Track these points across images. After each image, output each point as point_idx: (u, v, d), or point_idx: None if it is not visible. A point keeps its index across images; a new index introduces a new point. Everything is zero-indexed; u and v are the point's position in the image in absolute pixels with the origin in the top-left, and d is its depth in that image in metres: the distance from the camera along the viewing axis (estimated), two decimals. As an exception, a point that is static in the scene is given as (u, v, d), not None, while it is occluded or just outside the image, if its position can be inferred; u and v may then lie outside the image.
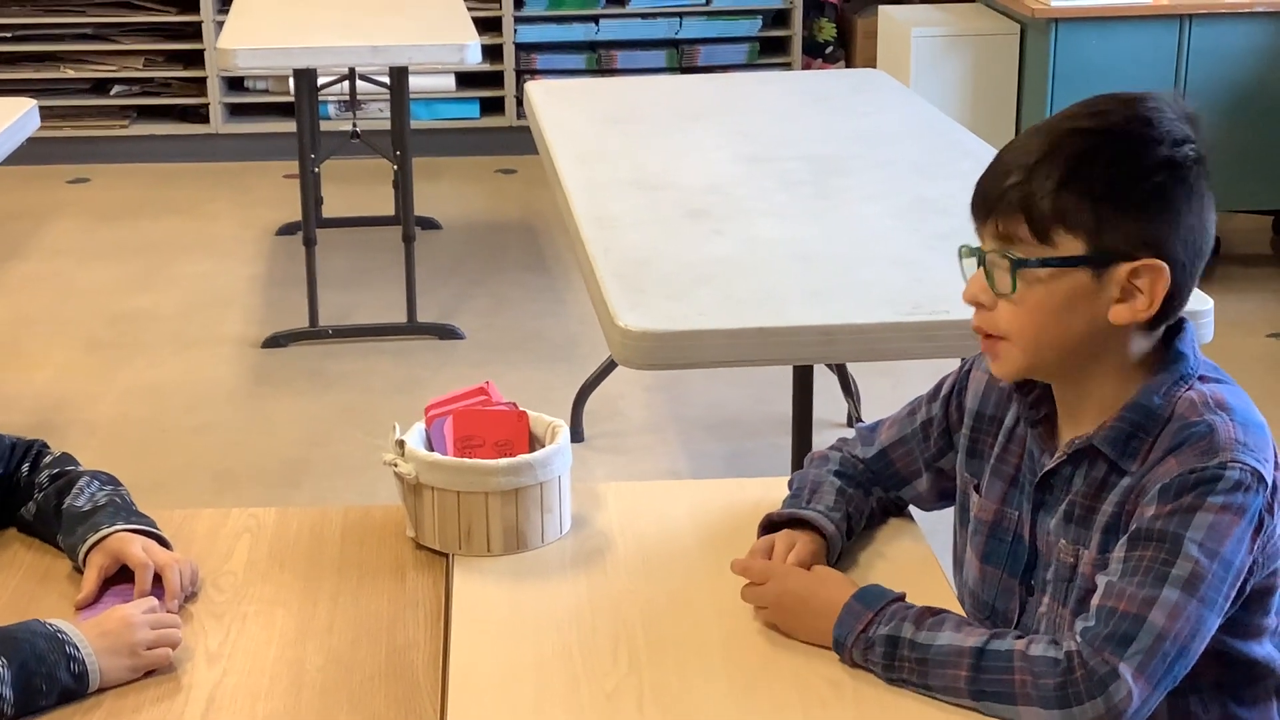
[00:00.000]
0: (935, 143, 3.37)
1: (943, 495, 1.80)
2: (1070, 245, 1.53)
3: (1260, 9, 4.80)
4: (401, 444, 1.79)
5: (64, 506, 1.78)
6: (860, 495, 1.79)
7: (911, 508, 1.86)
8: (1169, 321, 1.59)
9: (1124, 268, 1.53)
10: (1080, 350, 1.57)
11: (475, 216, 5.72)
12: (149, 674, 1.57)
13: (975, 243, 1.61)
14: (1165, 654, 1.44)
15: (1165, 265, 1.52)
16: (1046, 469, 1.62)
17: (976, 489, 1.72)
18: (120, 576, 1.71)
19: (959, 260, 1.63)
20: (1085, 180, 1.52)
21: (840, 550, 1.73)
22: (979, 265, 1.59)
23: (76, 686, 1.53)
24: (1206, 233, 1.56)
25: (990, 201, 1.57)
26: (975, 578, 1.71)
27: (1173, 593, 1.45)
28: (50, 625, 1.56)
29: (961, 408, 1.75)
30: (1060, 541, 1.61)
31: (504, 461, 1.76)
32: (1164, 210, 1.52)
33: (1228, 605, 1.50)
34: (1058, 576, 1.61)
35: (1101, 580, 1.51)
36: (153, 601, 1.65)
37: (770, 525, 1.74)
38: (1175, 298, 1.55)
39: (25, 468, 1.85)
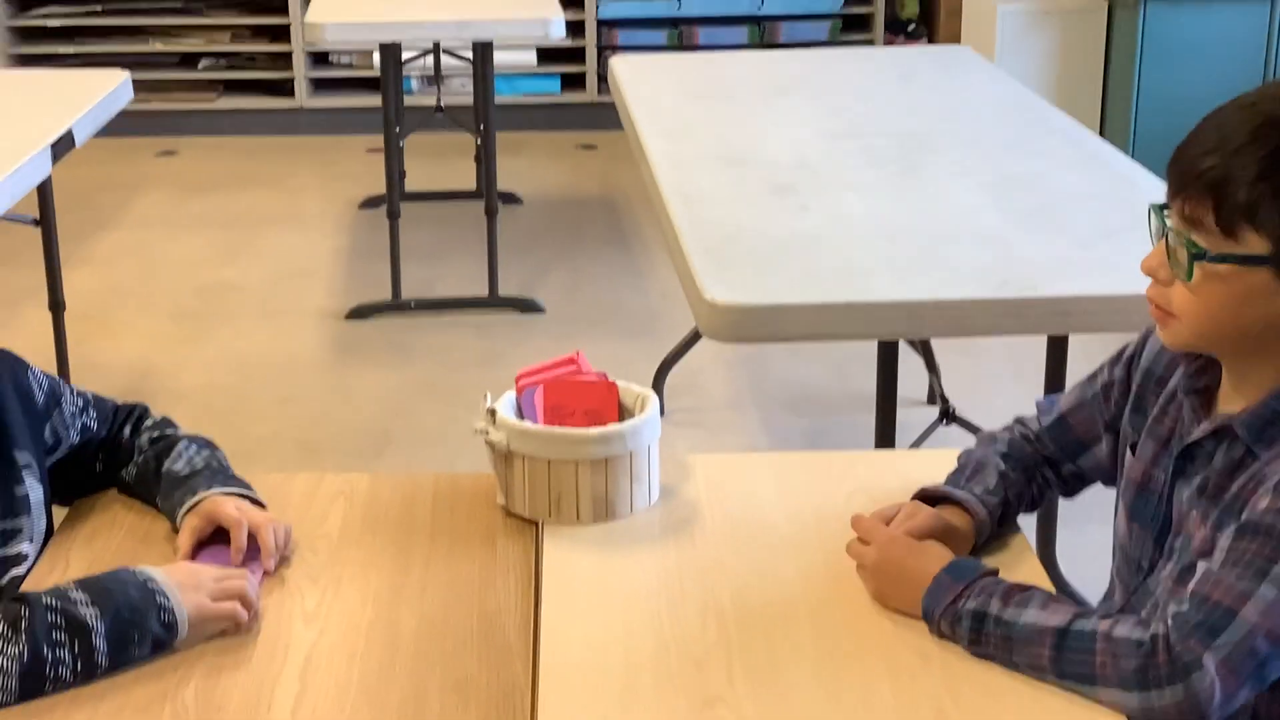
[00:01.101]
0: (1021, 119, 3.35)
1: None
2: (1256, 244, 1.47)
3: (1354, -13, 4.73)
4: (493, 412, 1.81)
5: (163, 470, 1.82)
6: (1022, 480, 1.77)
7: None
8: None
9: None
10: (1251, 339, 1.53)
11: (556, 191, 5.74)
12: (228, 632, 1.59)
13: (1162, 202, 1.55)
14: (1255, 651, 1.42)
15: None
16: (1191, 440, 1.60)
17: (1132, 447, 1.69)
18: (215, 539, 1.74)
19: (1148, 216, 1.57)
20: None
21: (988, 534, 1.72)
22: (1162, 237, 1.54)
23: (167, 636, 1.56)
24: None
25: (1182, 179, 1.51)
26: (1123, 532, 1.71)
27: (1271, 590, 1.43)
28: (140, 574, 1.58)
29: (1139, 369, 1.72)
30: (1192, 512, 1.59)
31: (595, 431, 1.77)
32: None
33: None
34: (1184, 546, 1.60)
35: (1201, 566, 1.49)
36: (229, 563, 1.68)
37: (925, 499, 1.74)
38: None
39: (127, 430, 1.89)
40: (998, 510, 1.73)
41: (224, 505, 1.74)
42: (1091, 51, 4.97)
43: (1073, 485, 1.83)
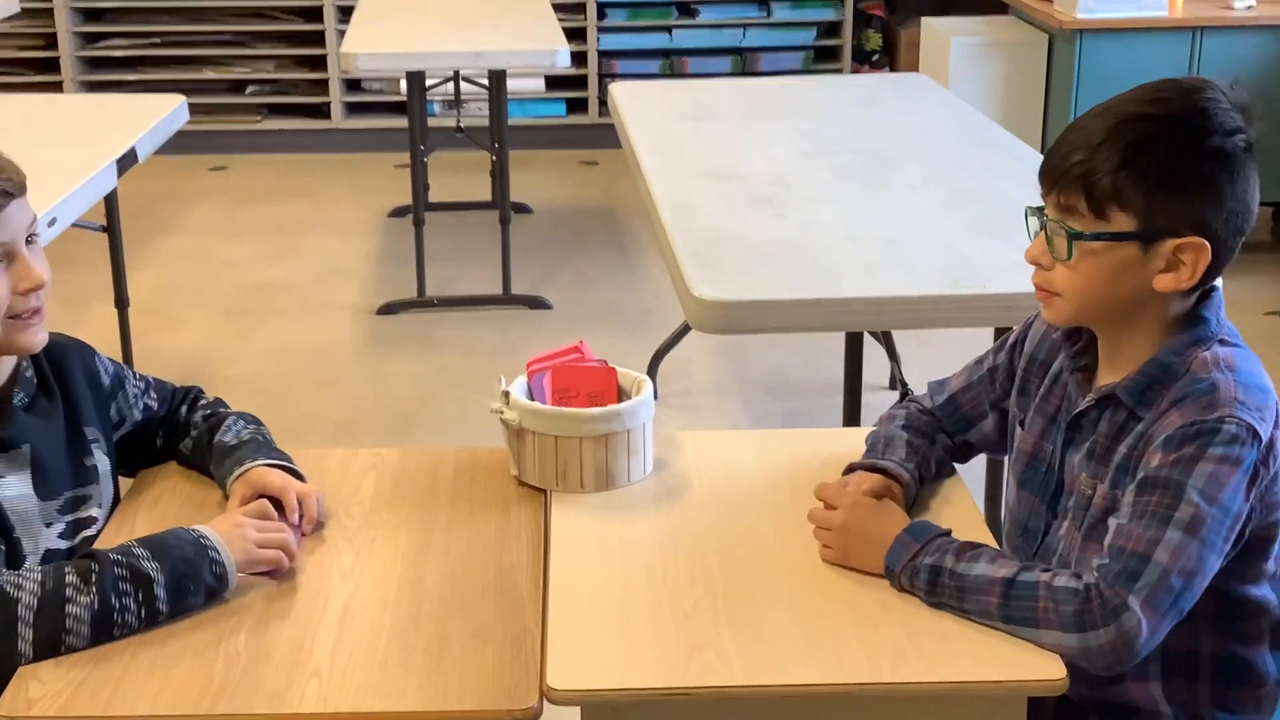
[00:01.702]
0: (972, 139, 3.35)
1: (1007, 437, 1.80)
2: (1123, 221, 1.52)
3: (1265, 22, 4.73)
4: (507, 394, 1.82)
5: (214, 442, 1.82)
6: (926, 444, 1.79)
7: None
8: (1204, 288, 1.58)
9: (1170, 243, 1.52)
10: (1124, 309, 1.57)
11: (562, 202, 5.74)
12: (273, 575, 1.61)
13: (1038, 204, 1.60)
14: (1170, 588, 1.44)
15: (1208, 243, 1.52)
16: (1077, 410, 1.63)
17: (1021, 423, 1.72)
18: None
19: (1025, 218, 1.62)
20: (1142, 165, 1.50)
21: (915, 494, 1.74)
22: (1041, 229, 1.59)
23: (218, 586, 1.56)
24: (1249, 213, 1.55)
25: (1055, 175, 1.56)
26: (1013, 499, 1.73)
27: (1175, 534, 1.45)
28: (193, 531, 1.59)
29: (1023, 354, 1.75)
30: (1082, 475, 1.62)
31: (596, 411, 1.78)
32: (1211, 194, 1.51)
33: (1228, 548, 1.49)
34: (1077, 505, 1.62)
35: (1113, 523, 1.51)
36: (266, 508, 1.67)
37: (851, 472, 1.75)
38: (1213, 269, 1.55)
39: (184, 409, 1.89)
40: (916, 473, 1.75)
41: (269, 476, 1.74)
42: (1034, 79, 4.97)
43: (964, 453, 1.86)
